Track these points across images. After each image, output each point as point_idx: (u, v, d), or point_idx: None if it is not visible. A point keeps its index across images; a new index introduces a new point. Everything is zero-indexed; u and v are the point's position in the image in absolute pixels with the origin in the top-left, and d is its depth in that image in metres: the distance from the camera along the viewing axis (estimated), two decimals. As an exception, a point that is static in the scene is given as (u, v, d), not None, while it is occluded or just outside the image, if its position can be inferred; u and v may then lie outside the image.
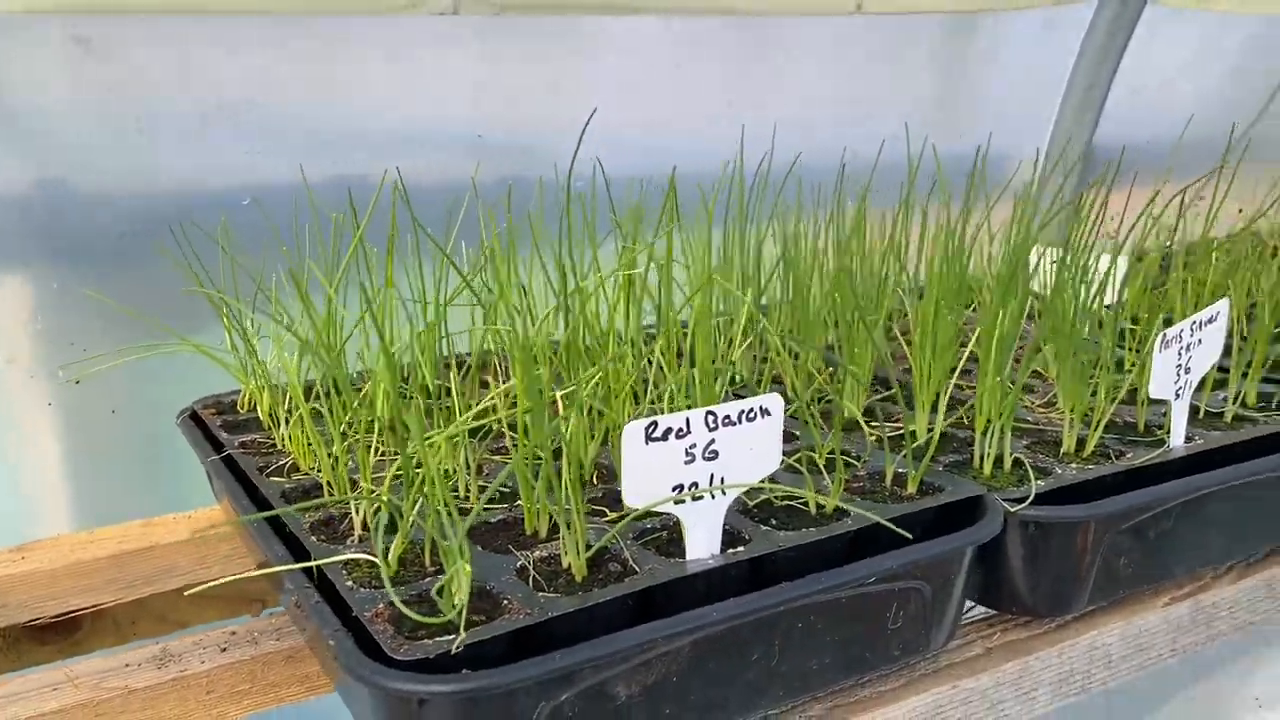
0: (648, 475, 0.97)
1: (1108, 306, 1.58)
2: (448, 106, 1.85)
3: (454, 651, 0.85)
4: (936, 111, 2.46)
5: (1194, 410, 1.46)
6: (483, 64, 1.82)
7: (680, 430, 0.98)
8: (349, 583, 1.01)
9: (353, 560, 1.05)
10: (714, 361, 1.34)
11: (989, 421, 1.27)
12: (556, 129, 1.97)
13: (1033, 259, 1.68)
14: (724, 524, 1.09)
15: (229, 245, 1.42)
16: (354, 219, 1.19)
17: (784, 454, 1.05)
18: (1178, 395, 1.31)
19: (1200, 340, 1.31)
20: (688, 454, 0.99)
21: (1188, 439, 1.35)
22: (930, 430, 1.36)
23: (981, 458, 1.27)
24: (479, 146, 1.84)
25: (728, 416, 1.00)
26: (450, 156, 1.86)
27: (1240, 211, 2.54)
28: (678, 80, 2.04)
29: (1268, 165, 2.71)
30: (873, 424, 1.42)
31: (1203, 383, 1.55)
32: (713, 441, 0.99)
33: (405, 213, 1.38)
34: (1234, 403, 1.45)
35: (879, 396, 1.55)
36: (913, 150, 2.40)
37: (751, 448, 1.02)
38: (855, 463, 1.26)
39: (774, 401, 1.01)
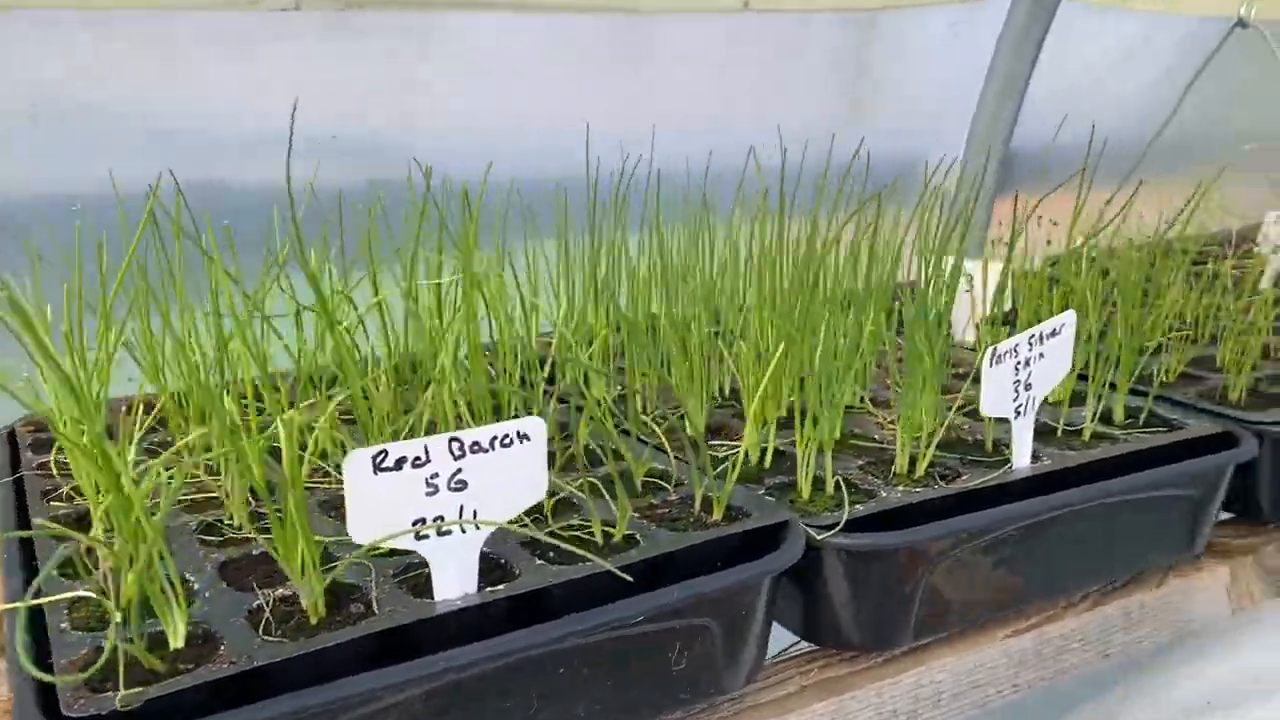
0: (378, 508, 0.88)
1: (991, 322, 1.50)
2: (297, 106, 1.76)
3: (120, 708, 0.77)
4: (837, 114, 2.38)
5: (1050, 429, 1.38)
6: (331, 62, 1.73)
7: (418, 459, 0.89)
8: (64, 624, 0.92)
9: (85, 599, 0.96)
10: (532, 384, 1.26)
11: (810, 441, 1.19)
12: (413, 129, 1.89)
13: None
14: (498, 558, 1.01)
15: (56, 253, 1.32)
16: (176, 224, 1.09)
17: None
18: (1018, 413, 1.23)
19: (1042, 355, 1.23)
20: (429, 484, 0.90)
21: (1036, 459, 1.27)
22: (764, 449, 1.28)
23: (801, 480, 1.19)
24: (331, 147, 1.75)
25: (476, 443, 0.91)
26: (300, 158, 1.76)
27: (1162, 214, 2.47)
28: (548, 80, 1.95)
29: (1198, 164, 2.66)
30: (713, 443, 1.34)
31: (1076, 398, 1.47)
32: (459, 471, 0.91)
33: (249, 220, 1.30)
34: (1093, 420, 1.37)
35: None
36: (813, 154, 2.33)
37: (509, 476, 0.93)
38: (666, 486, 1.18)
39: (534, 426, 0.93)
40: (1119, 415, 1.43)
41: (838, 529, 1.08)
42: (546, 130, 1.98)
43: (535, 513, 1.11)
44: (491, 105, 1.93)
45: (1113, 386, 1.44)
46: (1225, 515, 1.51)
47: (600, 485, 1.15)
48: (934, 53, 2.47)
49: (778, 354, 1.17)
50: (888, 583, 1.11)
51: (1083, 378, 1.48)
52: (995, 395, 1.19)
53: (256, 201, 1.41)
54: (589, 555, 0.95)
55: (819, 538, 1.07)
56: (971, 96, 2.61)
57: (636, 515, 1.10)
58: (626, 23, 2.02)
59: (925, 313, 1.27)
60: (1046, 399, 1.46)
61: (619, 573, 0.92)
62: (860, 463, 1.27)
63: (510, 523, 0.93)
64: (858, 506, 1.13)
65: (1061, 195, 2.36)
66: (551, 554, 1.02)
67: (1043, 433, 1.37)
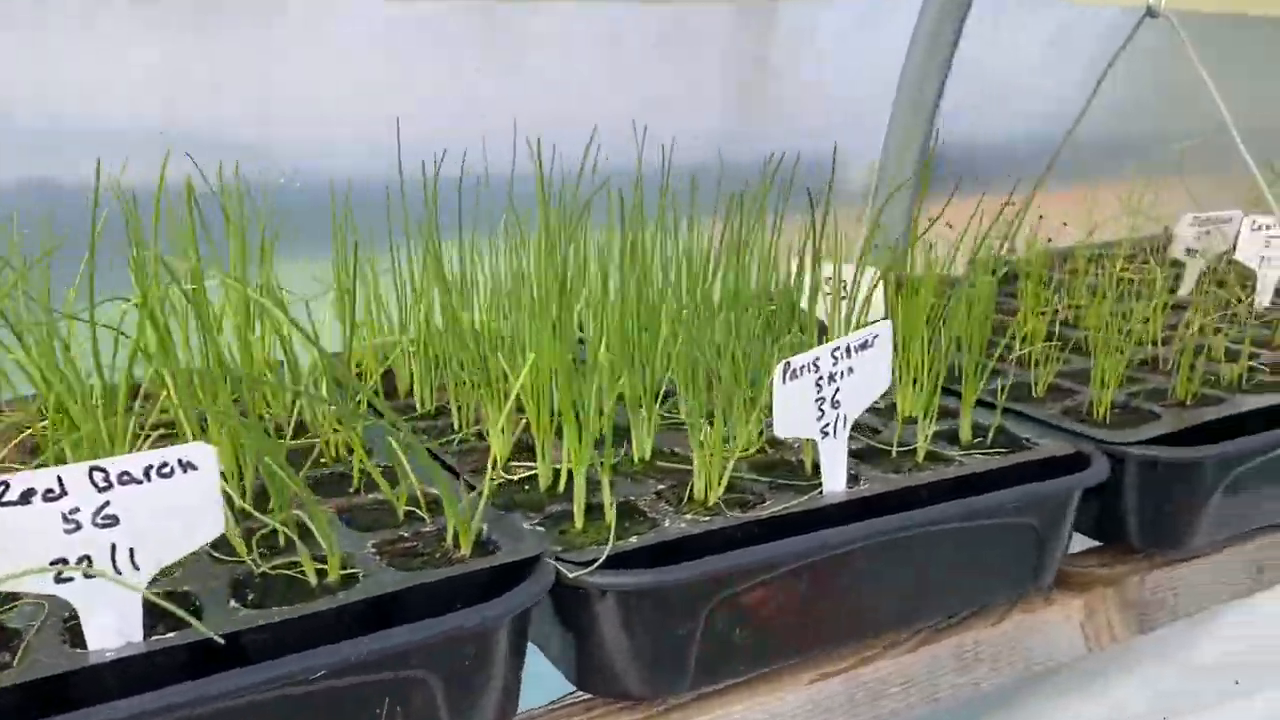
0: (5, 546, 0.77)
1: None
2: (136, 99, 1.66)
3: None
4: (737, 112, 2.26)
5: (883, 450, 1.26)
6: (173, 50, 1.63)
7: (51, 491, 0.78)
8: None
9: None
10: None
11: (594, 463, 1.07)
12: (267, 125, 1.78)
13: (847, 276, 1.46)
14: (196, 598, 0.90)
15: None
16: None
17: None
18: (826, 434, 1.11)
19: (852, 369, 1.11)
20: (68, 520, 0.79)
21: (856, 482, 1.15)
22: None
23: (577, 507, 1.07)
24: (169, 141, 1.64)
25: (126, 473, 0.80)
26: (141, 154, 1.66)
27: (1065, 224, 2.36)
28: (411, 73, 1.84)
29: (1139, 163, 2.53)
30: (517, 464, 1.23)
31: (945, 414, 1.35)
32: (107, 505, 0.79)
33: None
34: (925, 440, 1.25)
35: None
36: (708, 154, 2.22)
37: (172, 509, 0.82)
38: (424, 516, 1.06)
39: (201, 453, 0.82)
40: (965, 434, 1.31)
41: (595, 565, 0.96)
42: (412, 127, 1.87)
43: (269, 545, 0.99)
44: (362, 99, 1.82)
45: (984, 404, 1.32)
46: (1093, 543, 1.40)
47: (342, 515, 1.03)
48: (844, 46, 2.36)
49: (527, 366, 1.06)
50: (655, 624, 1.00)
51: (950, 393, 1.36)
52: (791, 415, 1.07)
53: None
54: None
55: (570, 575, 0.96)
56: (889, 93, 2.49)
57: (373, 550, 0.98)
58: (502, 11, 1.91)
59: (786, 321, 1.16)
60: (901, 415, 1.35)
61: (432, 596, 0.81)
62: (662, 486, 1.15)
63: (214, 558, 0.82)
64: (632, 539, 1.02)
65: (993, 197, 2.23)
66: (250, 595, 0.91)
67: (874, 453, 1.25)
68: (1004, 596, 1.25)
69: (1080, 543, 1.39)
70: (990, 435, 1.29)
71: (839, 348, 1.09)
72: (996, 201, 2.76)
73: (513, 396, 1.08)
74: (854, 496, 1.13)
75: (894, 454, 1.25)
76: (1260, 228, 1.92)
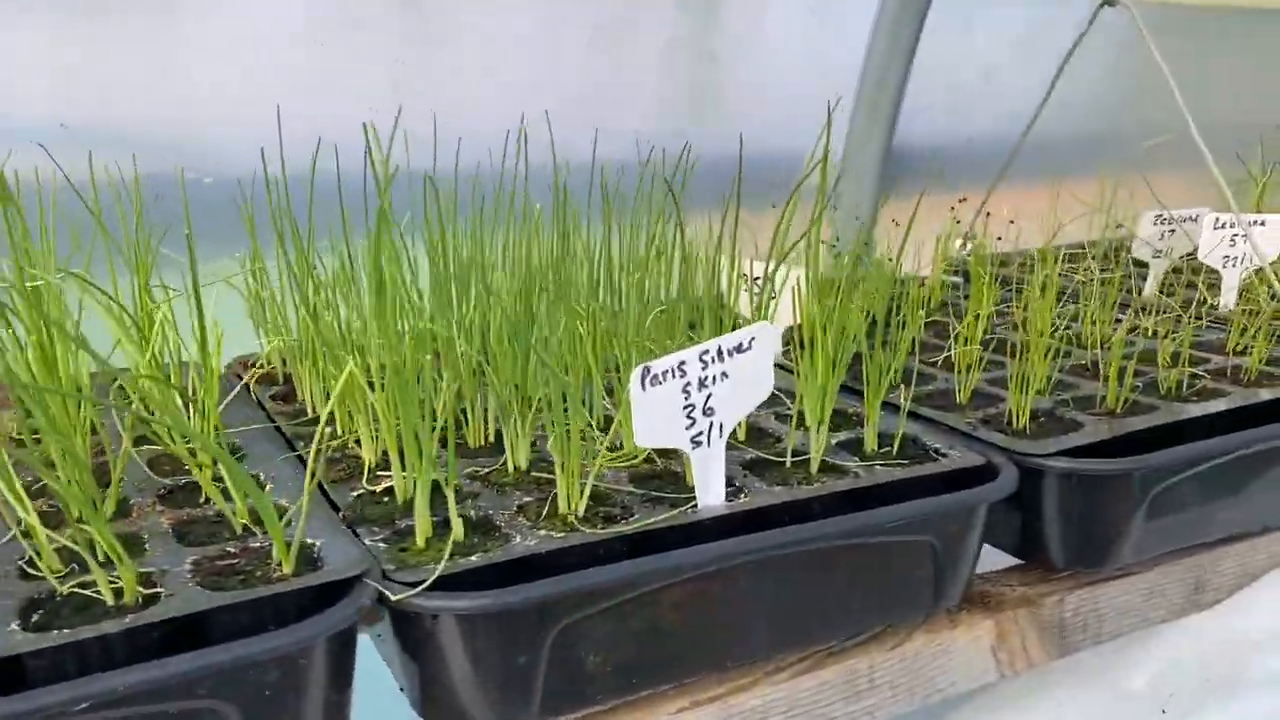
0: None
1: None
2: (26, 91, 1.60)
3: None
4: (682, 109, 2.19)
5: (775, 462, 1.18)
6: (72, 42, 1.58)
7: None
8: None
9: None
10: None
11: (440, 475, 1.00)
12: (164, 118, 1.72)
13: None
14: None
15: None
16: None
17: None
18: (697, 443, 1.03)
19: (725, 374, 1.03)
20: None
21: (740, 495, 1.08)
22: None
23: (422, 521, 1.00)
24: (67, 138, 1.58)
25: None
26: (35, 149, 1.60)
27: (1012, 222, 2.27)
28: (321, 65, 1.78)
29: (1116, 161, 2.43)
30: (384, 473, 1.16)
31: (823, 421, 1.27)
32: None
33: None
34: (819, 449, 1.16)
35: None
36: (651, 150, 2.14)
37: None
38: (254, 529, 0.99)
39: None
40: (869, 443, 1.22)
41: (422, 586, 0.89)
42: (328, 119, 1.80)
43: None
44: (264, 93, 1.75)
45: (904, 413, 1.24)
46: (1014, 561, 1.31)
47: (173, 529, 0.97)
48: (798, 38, 2.28)
49: (344, 374, 0.98)
50: (494, 650, 0.92)
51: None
52: (653, 423, 0.99)
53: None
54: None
55: (393, 597, 0.88)
56: (851, 87, 2.41)
57: (190, 568, 0.91)
58: (430, 1, 1.84)
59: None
60: (804, 423, 1.27)
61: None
62: (529, 499, 1.08)
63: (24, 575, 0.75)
64: (473, 557, 0.94)
65: (933, 199, 2.13)
66: (38, 616, 0.84)
67: (766, 464, 1.17)
68: (903, 618, 1.16)
69: (1007, 560, 1.31)
70: (896, 444, 1.21)
71: (708, 351, 1.01)
72: (968, 201, 2.68)
73: (370, 402, 1.01)
74: (731, 511, 1.05)
75: (788, 464, 1.17)
76: (1223, 226, 1.83)
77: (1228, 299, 1.90)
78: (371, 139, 1.22)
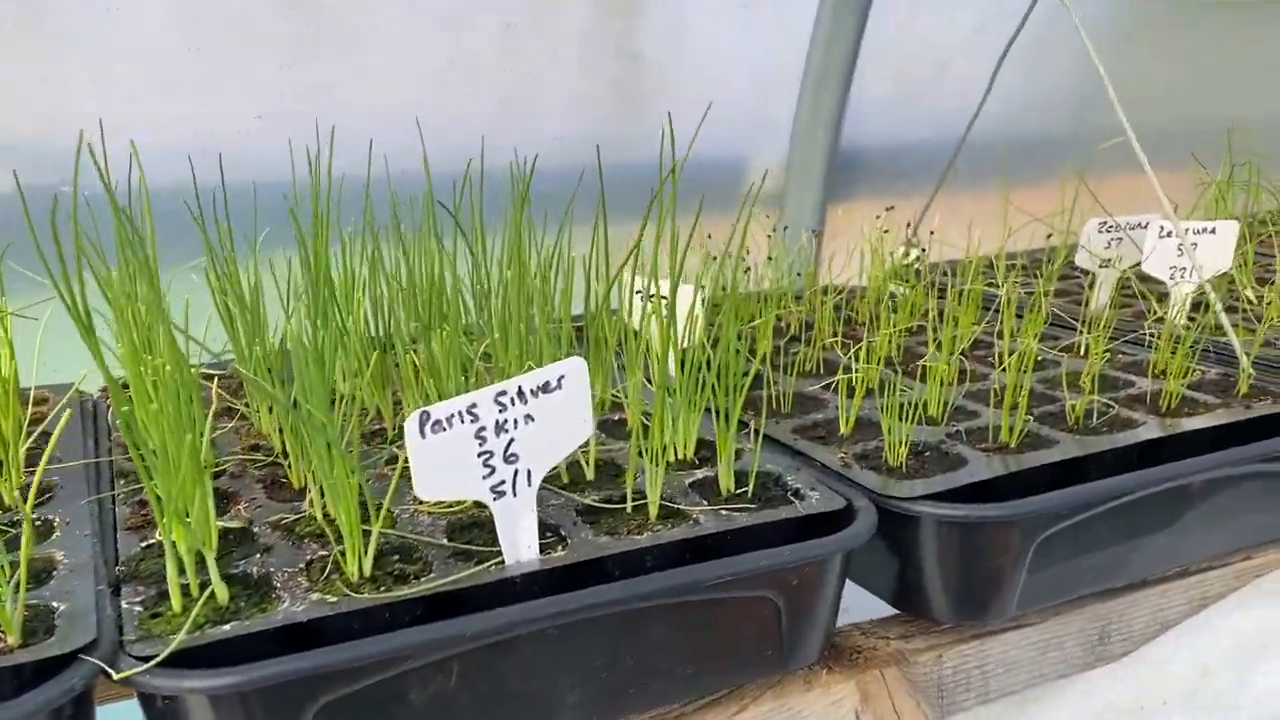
0: None
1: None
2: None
3: None
4: (602, 108, 2.08)
5: (614, 507, 1.08)
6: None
7: None
8: None
9: None
10: None
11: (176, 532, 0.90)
12: (35, 128, 1.64)
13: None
14: None
15: None
16: None
17: None
18: (499, 493, 0.93)
19: (530, 416, 0.93)
20: None
21: (561, 546, 0.97)
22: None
23: (172, 584, 0.90)
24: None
25: None
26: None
27: (973, 232, 2.14)
28: (204, 70, 1.68)
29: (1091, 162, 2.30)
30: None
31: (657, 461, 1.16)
32: None
33: None
34: (656, 492, 1.05)
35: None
36: (576, 156, 2.04)
37: None
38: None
39: None
40: (724, 482, 1.11)
41: (152, 663, 0.79)
42: (205, 130, 1.72)
43: None
44: (145, 102, 1.67)
45: (758, 448, 1.13)
46: (892, 612, 1.20)
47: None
48: (730, 37, 2.16)
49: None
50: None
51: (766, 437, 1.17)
52: (437, 472, 0.89)
53: None
54: None
55: (114, 675, 0.79)
56: (791, 87, 2.29)
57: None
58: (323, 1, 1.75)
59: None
60: (667, 462, 1.16)
61: None
62: (325, 553, 0.98)
63: None
64: (225, 627, 0.85)
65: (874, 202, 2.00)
66: None
67: (606, 510, 1.07)
68: (747, 680, 1.06)
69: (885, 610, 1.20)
70: (752, 485, 1.10)
71: (506, 392, 0.91)
72: (910, 205, 2.56)
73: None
74: (541, 568, 0.95)
75: (629, 509, 1.07)
76: (1169, 234, 1.70)
77: (1175, 315, 1.77)
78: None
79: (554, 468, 1.02)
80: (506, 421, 0.92)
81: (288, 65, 1.74)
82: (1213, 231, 1.73)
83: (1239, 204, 2.26)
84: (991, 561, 1.10)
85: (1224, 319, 1.51)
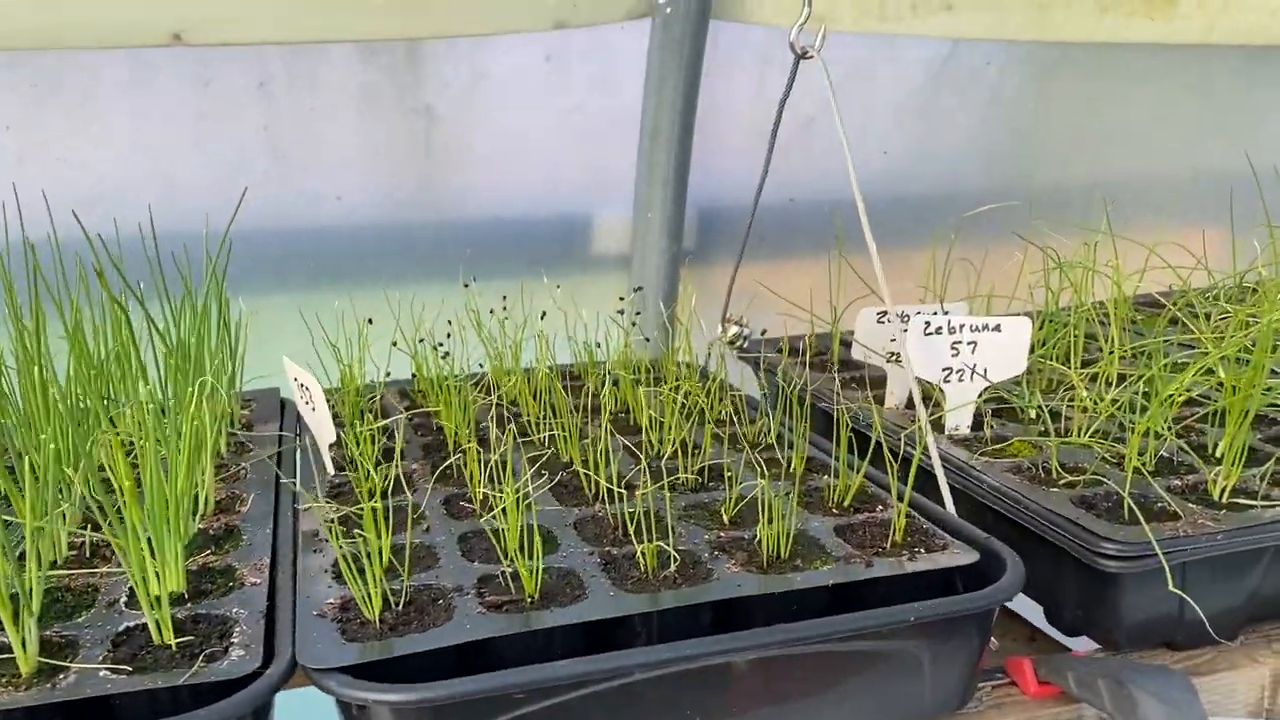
0: None
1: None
2: None
3: None
4: (395, 167, 1.95)
5: None
6: None
7: None
8: None
9: None
10: None
11: None
12: None
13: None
14: None
15: None
16: None
17: None
18: None
19: None
20: None
21: None
22: None
23: None
24: None
25: None
26: None
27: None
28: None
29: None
30: None
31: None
32: None
33: None
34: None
35: None
36: (363, 216, 1.94)
37: None
38: None
39: None
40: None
41: None
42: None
43: None
44: None
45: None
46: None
47: None
48: (537, 92, 2.00)
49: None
50: None
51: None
52: None
53: None
54: None
55: None
56: (626, 145, 2.11)
57: None
58: (46, 61, 1.68)
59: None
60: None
61: None
62: None
63: None
64: None
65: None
66: None
67: None
68: None
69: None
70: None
71: None
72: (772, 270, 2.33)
73: None
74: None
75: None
76: (884, 320, 1.47)
77: (959, 421, 1.51)
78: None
79: None
80: None
81: (7, 128, 1.68)
82: (997, 329, 1.47)
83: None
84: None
85: (935, 453, 1.26)
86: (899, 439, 1.41)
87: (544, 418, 1.49)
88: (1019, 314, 1.59)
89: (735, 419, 1.56)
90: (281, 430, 1.49)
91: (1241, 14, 2.25)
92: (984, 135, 2.30)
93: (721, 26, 2.07)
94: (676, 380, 1.74)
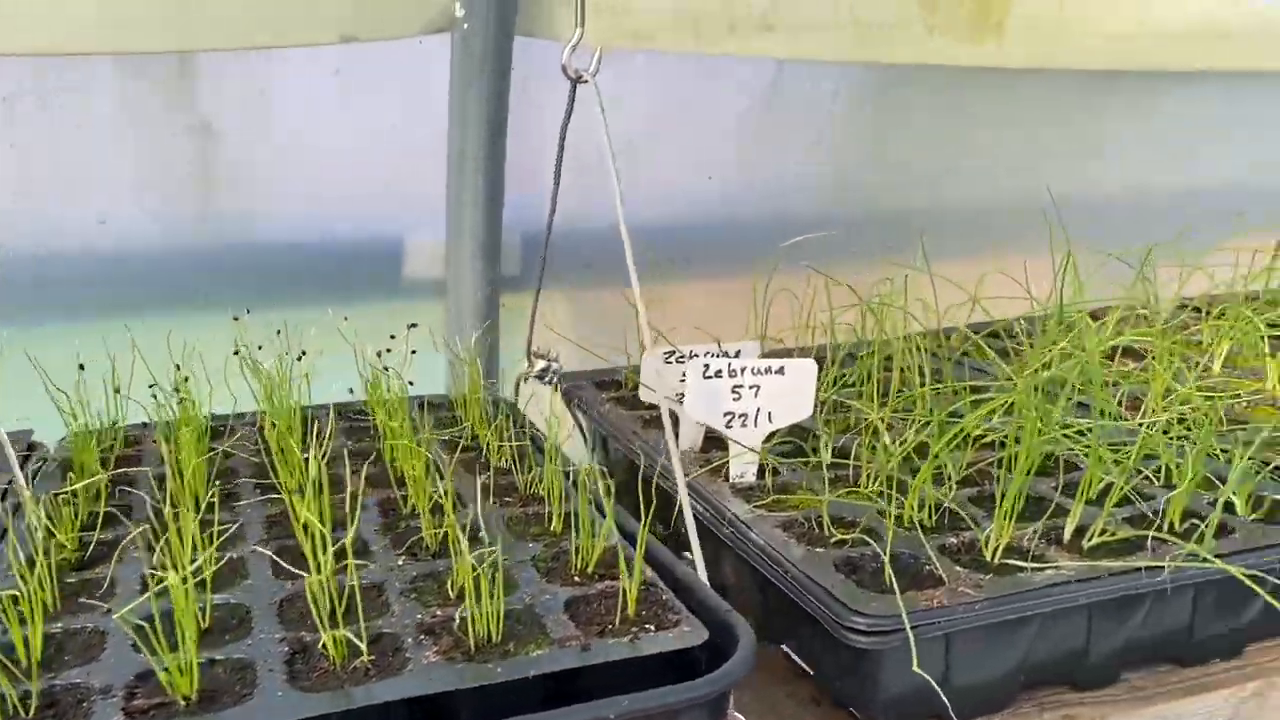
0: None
1: None
2: None
3: None
4: (170, 187, 1.80)
5: None
6: None
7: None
8: None
9: None
10: None
11: None
12: None
13: None
14: None
15: None
16: None
17: None
18: None
19: None
20: None
21: None
22: None
23: None
24: None
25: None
26: None
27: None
28: None
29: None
30: None
31: None
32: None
33: None
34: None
35: None
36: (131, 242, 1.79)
37: None
38: None
39: None
40: None
41: None
42: None
43: None
44: None
45: None
46: None
47: None
48: (328, 109, 1.87)
49: None
50: None
51: None
52: None
53: None
54: None
55: None
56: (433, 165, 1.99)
57: None
58: None
59: None
60: None
61: None
62: None
63: None
64: None
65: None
66: None
67: None
68: None
69: None
70: None
71: None
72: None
73: None
74: None
75: None
76: (671, 361, 1.38)
77: (743, 469, 1.42)
78: None
79: None
80: None
81: None
82: (780, 371, 1.38)
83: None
84: None
85: (686, 506, 1.16)
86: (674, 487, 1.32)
87: (296, 468, 1.36)
88: (813, 352, 1.51)
89: (516, 465, 1.45)
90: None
91: (1074, 38, 2.21)
92: (819, 160, 2.23)
93: (538, 43, 1.96)
94: (459, 424, 1.63)
